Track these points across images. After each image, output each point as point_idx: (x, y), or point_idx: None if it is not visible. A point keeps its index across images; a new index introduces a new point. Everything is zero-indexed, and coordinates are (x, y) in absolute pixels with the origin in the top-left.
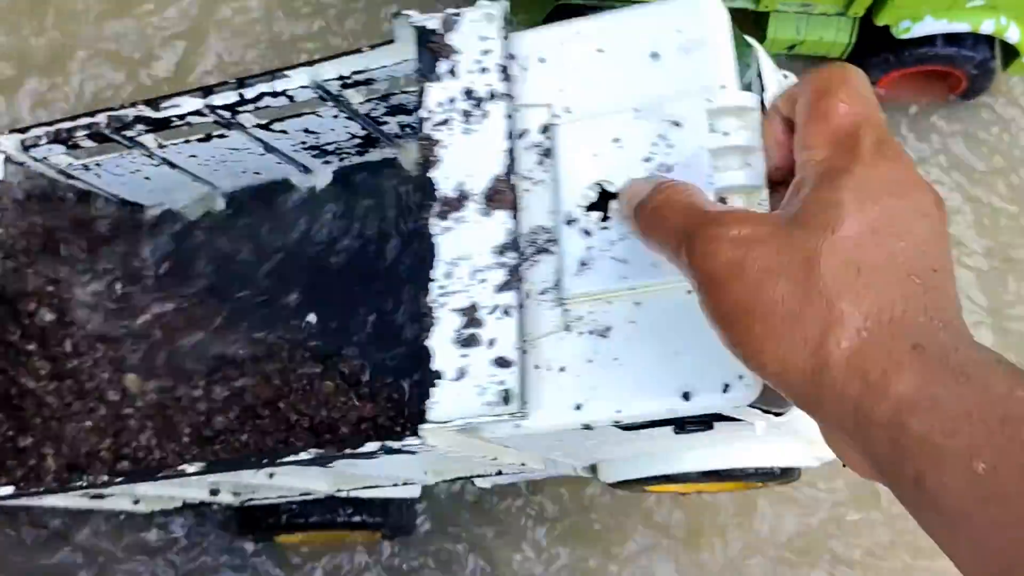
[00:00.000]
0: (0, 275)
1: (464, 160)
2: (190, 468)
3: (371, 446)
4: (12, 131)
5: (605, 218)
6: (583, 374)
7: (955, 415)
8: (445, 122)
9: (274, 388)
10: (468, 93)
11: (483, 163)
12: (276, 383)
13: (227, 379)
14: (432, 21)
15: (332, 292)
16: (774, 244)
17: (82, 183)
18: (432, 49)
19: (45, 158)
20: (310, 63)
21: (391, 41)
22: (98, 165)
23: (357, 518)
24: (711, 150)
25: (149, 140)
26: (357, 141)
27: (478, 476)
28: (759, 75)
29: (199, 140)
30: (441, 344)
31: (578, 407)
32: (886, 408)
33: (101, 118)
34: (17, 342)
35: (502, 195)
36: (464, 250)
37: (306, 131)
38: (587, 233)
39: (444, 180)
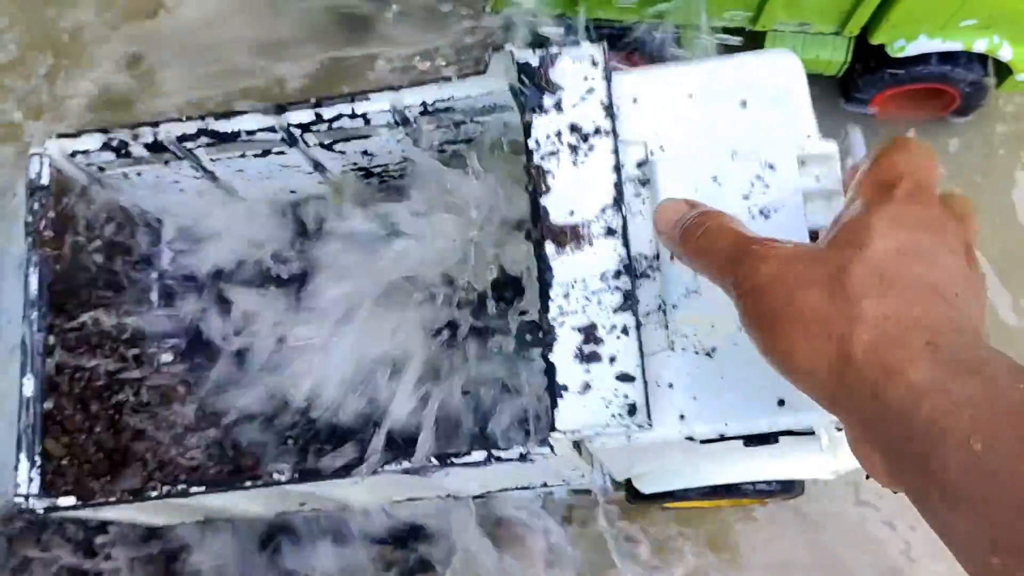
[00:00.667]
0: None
1: (574, 190)
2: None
3: (479, 455)
4: (59, 136)
5: None
6: (691, 390)
7: (960, 401)
8: (553, 153)
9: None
10: (573, 128)
11: (593, 194)
12: None
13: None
14: (535, 58)
15: None
16: (809, 260)
17: (110, 189)
18: (540, 84)
19: (88, 165)
20: (393, 88)
21: (481, 72)
22: (139, 175)
23: None
24: (804, 192)
25: (202, 153)
26: (406, 164)
27: (524, 488)
28: None
29: (255, 155)
30: (563, 360)
31: (684, 419)
32: (900, 393)
33: (164, 130)
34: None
35: (613, 224)
36: (579, 274)
37: (364, 153)
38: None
39: (555, 208)
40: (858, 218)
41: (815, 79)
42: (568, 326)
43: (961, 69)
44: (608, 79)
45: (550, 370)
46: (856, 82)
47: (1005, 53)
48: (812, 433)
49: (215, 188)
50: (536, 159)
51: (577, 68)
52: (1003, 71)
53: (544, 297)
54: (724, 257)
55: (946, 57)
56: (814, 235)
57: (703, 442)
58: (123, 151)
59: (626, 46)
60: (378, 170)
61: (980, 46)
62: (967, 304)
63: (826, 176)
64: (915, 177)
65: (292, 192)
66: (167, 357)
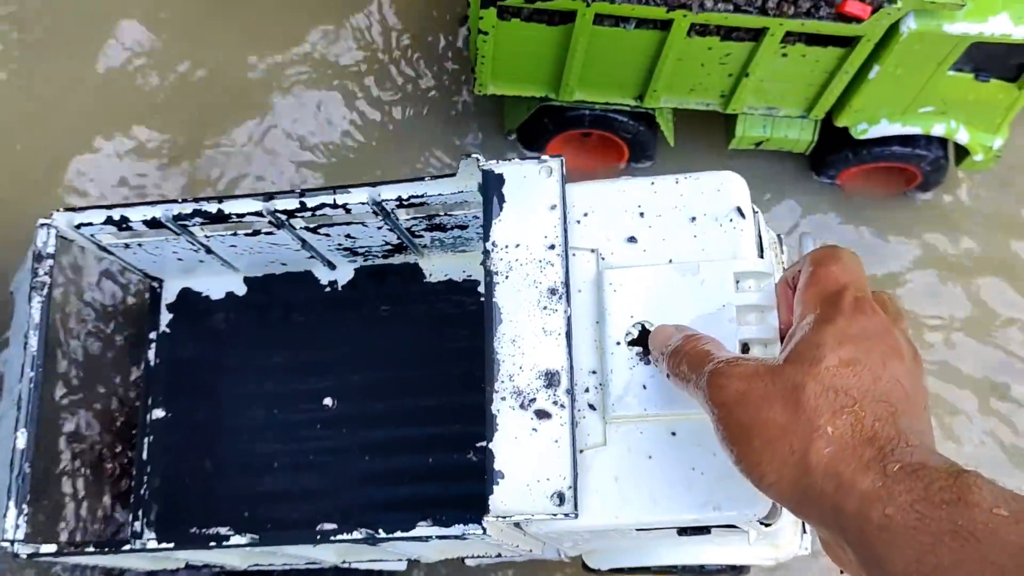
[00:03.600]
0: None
1: (523, 293)
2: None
3: (426, 530)
4: (67, 209)
5: (645, 353)
6: (623, 483)
7: (904, 505)
8: (505, 259)
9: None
10: (529, 236)
11: (541, 294)
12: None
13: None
14: (499, 167)
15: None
16: (769, 378)
17: (114, 257)
18: (500, 193)
19: (92, 235)
20: (372, 184)
21: (452, 174)
22: (140, 245)
23: None
24: (737, 306)
25: (198, 230)
26: (388, 247)
27: (473, 556)
28: (759, 237)
29: (246, 234)
30: (501, 447)
31: (618, 512)
32: (854, 502)
33: (161, 209)
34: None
35: (558, 313)
36: (521, 366)
37: (347, 236)
38: (630, 364)
39: (505, 301)
40: (810, 336)
41: (787, 154)
42: (507, 417)
43: (921, 150)
44: (564, 192)
45: (488, 457)
46: (824, 159)
47: (962, 137)
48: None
49: (212, 259)
50: (492, 263)
51: (538, 178)
52: (961, 151)
53: (489, 386)
54: (698, 375)
55: (907, 140)
56: (744, 347)
57: (637, 530)
58: (124, 226)
59: (603, 125)
60: (362, 250)
61: (938, 130)
62: (913, 404)
63: (760, 292)
64: (855, 287)
65: (283, 264)
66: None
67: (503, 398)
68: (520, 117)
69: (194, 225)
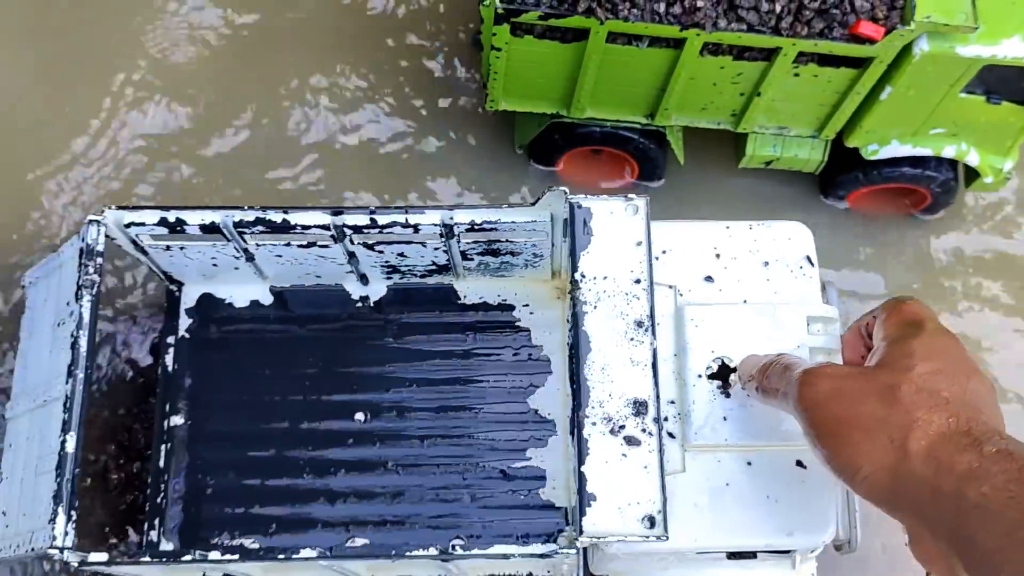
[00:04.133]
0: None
1: (612, 322)
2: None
3: (506, 548)
4: (119, 207)
5: (724, 386)
6: (703, 508)
7: (999, 484)
8: (597, 287)
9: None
10: (615, 269)
11: (628, 325)
12: None
13: None
14: (587, 201)
15: None
16: (863, 378)
17: (144, 258)
18: (589, 227)
19: (137, 235)
20: (450, 207)
21: (533, 203)
22: (182, 249)
23: None
24: (810, 347)
25: (250, 237)
26: (432, 267)
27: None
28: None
29: (299, 245)
30: (593, 471)
31: (697, 536)
32: (951, 482)
33: (222, 215)
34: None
35: (644, 344)
36: (611, 394)
37: (399, 255)
38: (711, 396)
39: (593, 331)
40: (899, 347)
41: (795, 175)
42: (599, 443)
43: (931, 172)
44: (648, 229)
45: (581, 480)
46: (833, 179)
47: (972, 159)
48: (788, 552)
49: (247, 266)
50: (578, 290)
51: (624, 215)
52: (971, 173)
53: (580, 412)
54: (787, 382)
55: (917, 161)
56: None
57: (698, 552)
58: (178, 228)
59: (614, 143)
60: (404, 269)
61: (949, 152)
62: (992, 413)
63: (827, 335)
64: (933, 319)
65: (317, 277)
66: (178, 420)
67: (594, 423)
68: (531, 133)
69: (251, 233)
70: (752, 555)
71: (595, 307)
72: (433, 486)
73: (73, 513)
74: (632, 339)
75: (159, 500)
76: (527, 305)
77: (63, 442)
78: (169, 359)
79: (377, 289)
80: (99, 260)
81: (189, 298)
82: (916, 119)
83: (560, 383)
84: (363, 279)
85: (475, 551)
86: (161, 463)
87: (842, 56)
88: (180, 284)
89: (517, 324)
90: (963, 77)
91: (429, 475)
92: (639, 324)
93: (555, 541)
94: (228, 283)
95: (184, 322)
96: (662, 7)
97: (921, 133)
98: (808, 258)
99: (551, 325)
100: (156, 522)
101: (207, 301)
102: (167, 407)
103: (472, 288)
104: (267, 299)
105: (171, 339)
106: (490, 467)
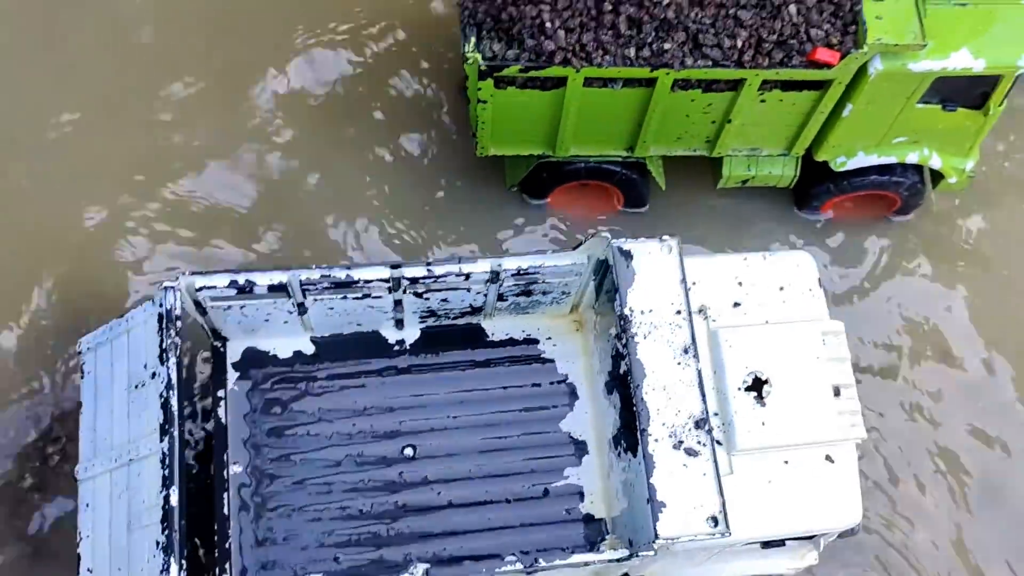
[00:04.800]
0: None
1: (661, 350)
2: None
3: (586, 556)
4: (192, 273)
5: (759, 396)
6: (752, 503)
7: None
8: (645, 320)
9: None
10: (658, 302)
11: (675, 352)
12: None
13: None
14: (627, 244)
15: None
16: None
17: (202, 318)
18: (631, 267)
19: (204, 298)
20: (497, 257)
21: (575, 248)
22: (241, 308)
23: None
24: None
25: (309, 293)
26: (467, 309)
27: None
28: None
29: (355, 298)
30: (660, 482)
31: (752, 527)
32: None
33: (289, 275)
34: None
35: (690, 367)
36: (669, 413)
37: (443, 300)
38: (749, 406)
39: (647, 359)
40: None
41: (769, 191)
42: (662, 457)
43: (898, 177)
44: (683, 266)
45: (651, 491)
46: (807, 192)
47: (935, 162)
48: (812, 538)
49: (296, 319)
50: (629, 324)
51: (659, 254)
52: (936, 175)
53: (643, 431)
54: None
55: (883, 169)
56: (836, 390)
57: (745, 544)
58: (248, 289)
59: (598, 176)
60: (442, 312)
61: (912, 158)
62: None
63: (839, 346)
64: None
65: (358, 325)
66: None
67: (656, 440)
68: (520, 174)
69: (315, 290)
70: (781, 543)
71: (645, 337)
72: (483, 522)
73: (184, 563)
74: (679, 363)
75: (226, 545)
76: (550, 338)
77: (166, 496)
78: (221, 412)
79: (412, 333)
80: (179, 323)
81: (234, 352)
82: (878, 131)
83: (588, 406)
84: (398, 324)
85: (556, 561)
86: (225, 510)
87: (803, 81)
88: (225, 340)
89: (543, 356)
90: (918, 90)
91: (479, 511)
92: (685, 350)
93: (598, 550)
94: (271, 336)
95: (232, 375)
96: (632, 52)
97: (885, 143)
98: (819, 281)
99: (573, 355)
100: (227, 565)
101: (251, 354)
102: (225, 457)
103: (498, 326)
104: (309, 348)
105: (221, 392)
106: (532, 489)
